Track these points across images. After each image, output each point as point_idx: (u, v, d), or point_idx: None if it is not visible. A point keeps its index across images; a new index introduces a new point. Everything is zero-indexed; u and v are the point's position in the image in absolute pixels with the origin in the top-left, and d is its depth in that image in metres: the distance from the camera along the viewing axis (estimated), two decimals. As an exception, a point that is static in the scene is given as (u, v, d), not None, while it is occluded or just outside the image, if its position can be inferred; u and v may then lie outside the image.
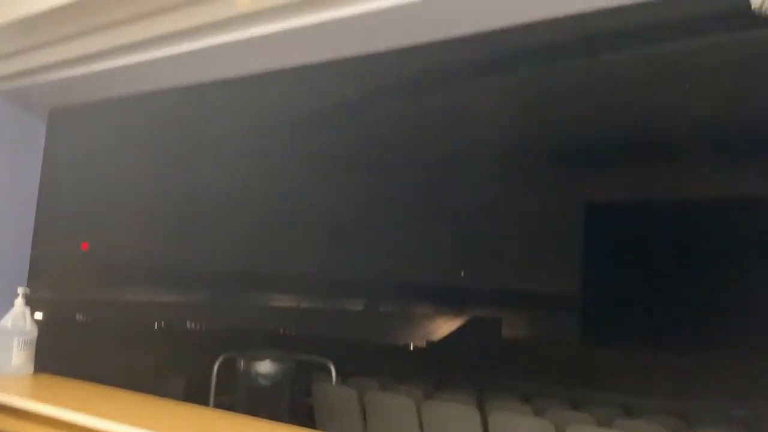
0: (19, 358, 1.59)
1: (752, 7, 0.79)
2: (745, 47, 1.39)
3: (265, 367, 1.87)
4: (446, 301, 2.42)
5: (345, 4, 1.13)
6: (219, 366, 2.07)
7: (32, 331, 1.62)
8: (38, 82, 1.57)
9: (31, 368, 1.61)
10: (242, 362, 1.91)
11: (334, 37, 1.27)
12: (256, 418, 1.26)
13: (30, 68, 1.53)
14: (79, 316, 3.45)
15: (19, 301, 1.61)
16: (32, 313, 1.59)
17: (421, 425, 2.35)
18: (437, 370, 2.64)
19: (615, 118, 1.69)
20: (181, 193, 2.37)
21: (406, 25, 1.21)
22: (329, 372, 2.20)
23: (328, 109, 1.99)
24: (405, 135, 1.96)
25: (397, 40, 1.31)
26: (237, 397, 2.01)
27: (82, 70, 1.50)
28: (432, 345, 2.71)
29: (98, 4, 1.33)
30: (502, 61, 1.72)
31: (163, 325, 2.96)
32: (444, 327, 2.70)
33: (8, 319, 1.58)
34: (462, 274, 2.22)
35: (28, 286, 1.84)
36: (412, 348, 2.71)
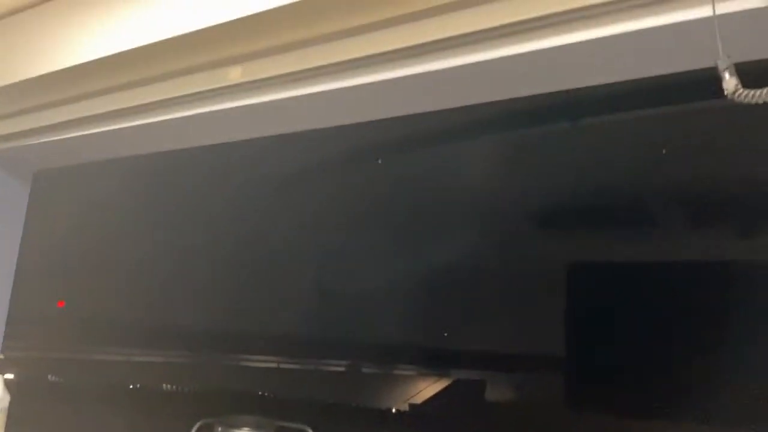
0: (-11, 426, 1.54)
1: (726, 93, 0.83)
2: (718, 116, 1.45)
3: (243, 434, 1.83)
4: (429, 362, 2.39)
5: (333, 80, 1.16)
6: (196, 432, 2.01)
7: (4, 399, 1.57)
8: (23, 145, 1.58)
9: (1, 437, 1.55)
10: (220, 429, 1.87)
11: (321, 108, 1.30)
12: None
13: (15, 132, 1.53)
14: (51, 377, 3.35)
15: (-7, 368, 1.57)
16: (3, 375, 1.55)
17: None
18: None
19: (601, 182, 1.73)
20: (161, 253, 2.36)
21: (390, 98, 1.24)
22: (309, 438, 2.15)
23: (313, 172, 2.01)
24: (391, 197, 1.99)
25: (382, 111, 1.34)
26: (214, 465, 1.95)
27: (68, 134, 1.51)
28: (415, 408, 2.65)
29: (87, 71, 1.35)
30: (490, 127, 1.76)
31: (138, 386, 2.87)
32: (427, 389, 2.66)
33: (-20, 387, 1.54)
34: (445, 334, 2.21)
35: (3, 346, 1.79)
36: (394, 411, 2.66)
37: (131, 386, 2.74)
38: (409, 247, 2.01)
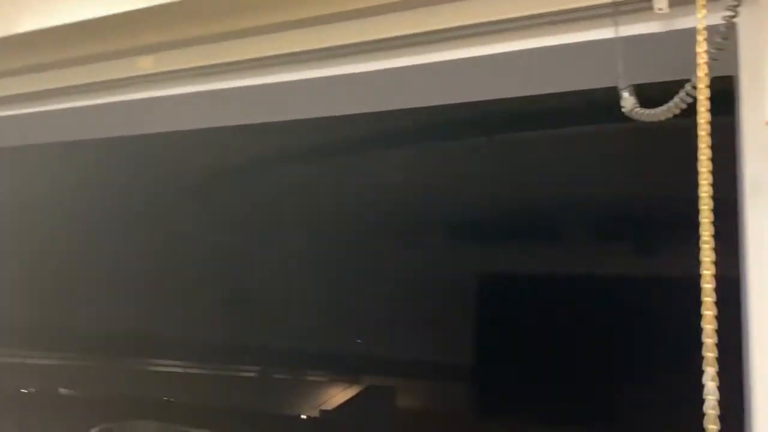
0: None
1: (624, 111, 0.87)
2: (619, 137, 1.53)
3: (144, 440, 1.75)
4: (342, 369, 2.38)
5: (253, 75, 1.14)
6: (92, 439, 1.92)
7: None
8: None
9: None
10: (119, 435, 1.78)
11: (236, 104, 1.27)
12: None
13: None
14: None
15: None
16: None
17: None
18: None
19: (509, 196, 1.79)
20: (60, 250, 2.23)
21: (308, 99, 1.23)
22: (214, 445, 2.09)
23: (225, 172, 1.96)
24: (305, 202, 1.97)
25: (299, 112, 1.33)
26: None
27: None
28: (326, 414, 2.63)
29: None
30: (405, 136, 1.78)
31: (32, 390, 2.71)
32: (339, 395, 2.65)
33: None
34: (358, 341, 2.21)
35: None
36: (305, 417, 2.62)
37: (24, 390, 2.59)
38: (323, 254, 2.00)
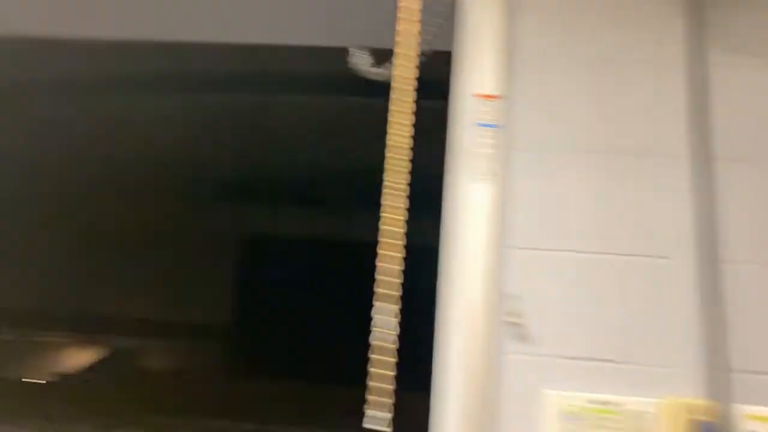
0: None
1: (353, 65, 0.90)
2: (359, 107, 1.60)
3: None
4: (81, 329, 2.18)
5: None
6: None
7: None
8: None
9: None
10: None
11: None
12: None
13: None
14: None
15: None
16: None
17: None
18: (64, 405, 2.35)
19: (268, 157, 1.77)
20: None
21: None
22: None
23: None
24: (54, 143, 1.74)
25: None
26: None
27: None
28: (61, 377, 2.41)
29: None
30: (175, 78, 1.65)
31: None
32: (76, 357, 2.43)
33: None
34: (101, 300, 2.04)
35: None
36: (39, 381, 2.37)
37: None
38: (69, 204, 1.82)
